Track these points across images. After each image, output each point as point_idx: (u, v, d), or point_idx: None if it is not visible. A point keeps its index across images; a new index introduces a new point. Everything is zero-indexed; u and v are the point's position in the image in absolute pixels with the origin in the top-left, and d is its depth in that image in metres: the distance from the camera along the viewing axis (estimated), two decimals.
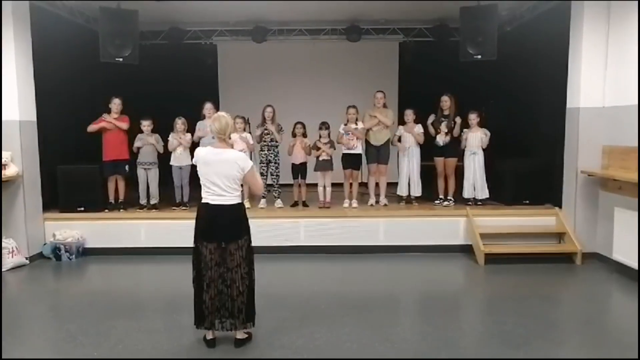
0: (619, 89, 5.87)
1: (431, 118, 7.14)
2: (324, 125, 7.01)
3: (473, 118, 6.96)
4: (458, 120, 6.95)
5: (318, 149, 6.98)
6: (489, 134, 6.92)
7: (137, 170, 6.93)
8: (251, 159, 6.79)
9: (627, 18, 5.71)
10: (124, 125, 6.87)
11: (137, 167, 6.94)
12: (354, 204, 7.08)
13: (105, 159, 6.85)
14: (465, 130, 6.99)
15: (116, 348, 3.92)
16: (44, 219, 6.61)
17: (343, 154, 7.09)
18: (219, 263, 3.80)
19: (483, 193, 6.98)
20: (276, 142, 7.06)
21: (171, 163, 6.97)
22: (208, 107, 7.07)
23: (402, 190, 7.22)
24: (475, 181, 6.98)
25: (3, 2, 5.90)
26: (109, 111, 6.88)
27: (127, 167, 6.96)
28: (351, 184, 7.13)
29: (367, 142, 7.19)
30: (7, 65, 6.02)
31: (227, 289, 3.80)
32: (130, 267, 6.26)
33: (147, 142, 6.89)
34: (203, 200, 3.82)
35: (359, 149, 7.09)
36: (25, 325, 4.44)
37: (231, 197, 3.77)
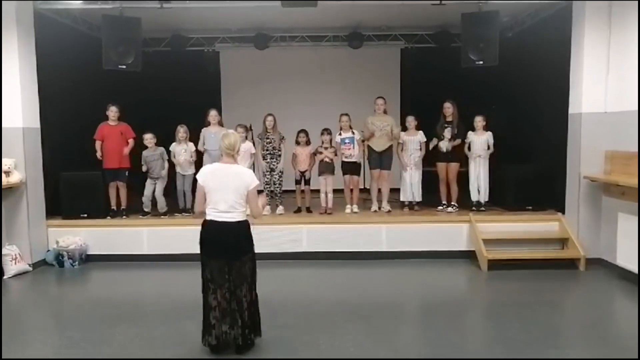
0: (621, 94, 5.87)
1: (433, 142, 7.11)
2: (326, 131, 7.07)
3: (479, 121, 6.95)
4: (458, 141, 6.98)
5: (321, 153, 7.01)
6: (491, 140, 6.91)
7: (147, 181, 6.95)
8: (254, 167, 6.85)
9: (628, 23, 5.71)
10: (131, 145, 6.93)
11: (141, 174, 6.95)
12: (355, 209, 7.08)
13: (105, 167, 6.87)
14: (470, 133, 6.99)
15: (119, 355, 3.92)
16: (47, 226, 6.62)
17: (342, 161, 7.12)
18: (223, 280, 3.80)
19: (485, 196, 6.97)
20: (279, 150, 7.08)
21: (175, 170, 7.00)
22: (213, 114, 7.10)
23: (405, 197, 7.22)
24: (479, 184, 6.97)
25: (8, 10, 5.94)
26: (107, 118, 6.90)
27: (126, 174, 6.97)
28: (352, 190, 7.14)
29: (369, 148, 7.20)
30: (11, 73, 6.06)
31: (232, 305, 3.80)
32: (133, 274, 6.26)
33: (154, 158, 6.89)
34: (208, 217, 3.81)
35: (356, 157, 7.10)
36: (27, 332, 4.44)
37: (237, 214, 3.78)
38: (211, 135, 6.87)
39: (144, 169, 6.91)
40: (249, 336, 3.87)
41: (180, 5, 6.52)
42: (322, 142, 7.07)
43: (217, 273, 3.79)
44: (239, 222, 3.79)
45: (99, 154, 6.84)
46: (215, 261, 3.80)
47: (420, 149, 7.13)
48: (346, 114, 7.09)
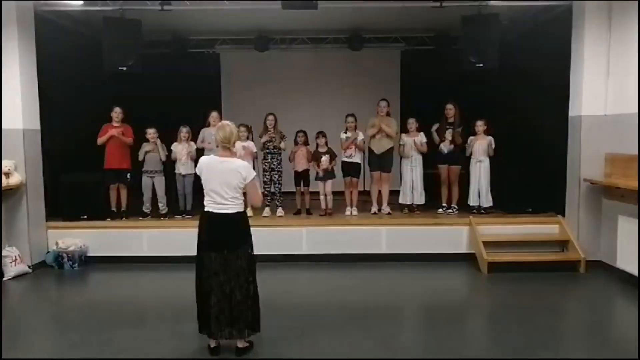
0: (621, 97, 5.87)
1: (435, 126, 7.14)
2: (321, 134, 7.06)
3: (480, 125, 6.96)
4: (459, 140, 6.96)
5: (318, 159, 6.99)
6: (492, 145, 6.91)
7: (142, 179, 6.94)
8: (254, 167, 6.84)
9: (628, 26, 5.72)
10: (129, 140, 6.93)
11: (141, 175, 6.95)
12: (354, 211, 7.08)
13: (107, 167, 6.88)
14: (471, 137, 6.99)
15: (118, 357, 3.91)
16: (47, 228, 6.61)
17: (342, 162, 7.12)
18: (219, 271, 3.80)
19: (487, 201, 6.98)
20: (279, 150, 7.08)
21: (175, 172, 6.99)
22: (214, 115, 7.11)
23: (405, 199, 7.22)
24: (480, 189, 6.98)
25: (8, 11, 5.95)
26: (110, 120, 6.91)
27: (128, 176, 6.97)
28: (351, 192, 7.13)
29: (369, 150, 7.20)
30: (11, 74, 6.06)
31: (228, 298, 3.80)
32: (133, 276, 6.25)
33: (155, 148, 6.90)
34: (205, 209, 3.84)
35: (357, 157, 7.11)
36: (27, 334, 4.43)
37: (233, 206, 3.79)
38: (211, 135, 6.87)
39: (140, 157, 6.88)
40: (248, 334, 3.87)
41: (180, 7, 6.54)
42: (317, 146, 7.06)
43: (214, 266, 3.79)
44: (234, 213, 3.79)
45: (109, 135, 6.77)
46: (212, 253, 3.79)
47: (421, 151, 7.12)
48: (352, 115, 7.10)
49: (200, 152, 7.02)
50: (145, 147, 6.91)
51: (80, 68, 7.33)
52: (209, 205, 3.81)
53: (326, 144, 7.06)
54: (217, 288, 3.80)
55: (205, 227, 3.84)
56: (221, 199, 3.76)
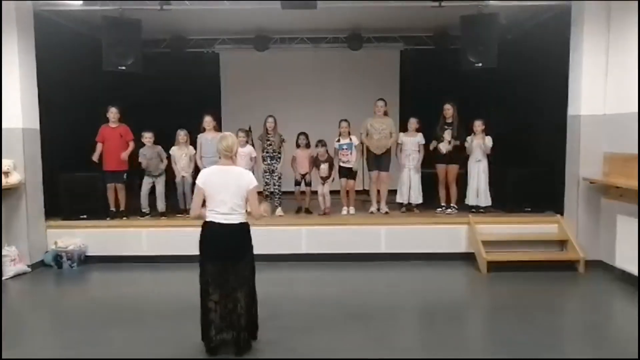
0: (620, 96, 5.88)
1: (434, 144, 7.09)
2: (320, 143, 6.99)
3: (478, 125, 6.95)
4: (457, 141, 6.96)
5: (318, 167, 7.01)
6: (490, 143, 6.89)
7: (144, 178, 6.94)
8: (253, 170, 6.84)
9: (627, 25, 5.72)
10: (131, 145, 6.93)
11: (143, 176, 6.95)
12: (352, 211, 7.08)
13: (105, 169, 6.88)
14: (469, 137, 7.00)
15: (118, 355, 3.91)
16: (46, 227, 6.61)
17: (339, 166, 7.10)
18: (224, 282, 3.81)
19: (486, 200, 6.98)
20: (278, 153, 7.09)
21: (176, 173, 6.97)
22: (207, 120, 7.04)
23: (402, 198, 7.22)
24: (479, 188, 6.98)
25: (8, 11, 5.94)
26: (107, 120, 6.91)
27: (125, 176, 6.97)
28: (347, 192, 7.13)
29: (368, 150, 7.20)
30: (10, 74, 6.06)
31: (232, 307, 3.82)
32: (132, 275, 6.25)
33: (153, 155, 6.89)
34: (209, 219, 3.80)
35: (353, 163, 7.08)
36: (26, 333, 4.44)
37: (237, 216, 3.79)
38: (207, 141, 6.86)
39: (143, 164, 6.89)
40: (248, 339, 3.89)
41: (180, 7, 6.54)
42: (318, 155, 7.03)
43: (216, 276, 3.80)
44: (239, 224, 3.80)
45: (96, 157, 6.83)
46: (215, 264, 3.80)
47: (419, 151, 7.13)
48: (345, 120, 7.09)
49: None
50: (140, 158, 6.87)
51: (80, 68, 7.33)
52: (213, 216, 3.78)
53: (326, 152, 7.02)
54: (221, 298, 3.81)
55: (210, 238, 3.82)
56: (227, 209, 3.74)
